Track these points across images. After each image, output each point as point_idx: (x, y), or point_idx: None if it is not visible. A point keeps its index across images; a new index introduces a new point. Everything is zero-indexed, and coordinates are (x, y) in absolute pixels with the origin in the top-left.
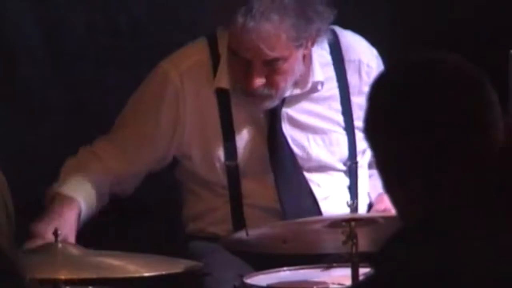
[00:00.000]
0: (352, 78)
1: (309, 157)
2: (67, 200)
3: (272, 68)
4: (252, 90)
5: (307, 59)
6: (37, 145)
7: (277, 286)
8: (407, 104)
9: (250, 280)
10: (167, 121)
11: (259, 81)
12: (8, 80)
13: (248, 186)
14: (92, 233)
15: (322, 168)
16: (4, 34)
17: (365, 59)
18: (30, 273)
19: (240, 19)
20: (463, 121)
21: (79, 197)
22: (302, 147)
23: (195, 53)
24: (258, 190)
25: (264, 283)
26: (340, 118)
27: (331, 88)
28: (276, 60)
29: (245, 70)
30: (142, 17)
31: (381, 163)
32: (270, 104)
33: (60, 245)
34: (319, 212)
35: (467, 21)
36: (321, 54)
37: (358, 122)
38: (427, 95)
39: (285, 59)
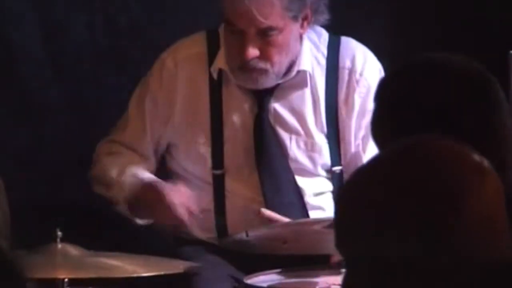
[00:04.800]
0: (341, 86)
1: (287, 157)
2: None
3: (266, 39)
4: (246, 62)
5: (300, 44)
6: (37, 145)
7: (277, 286)
8: (414, 105)
9: (250, 281)
10: (163, 103)
11: (253, 52)
12: (8, 81)
13: (231, 183)
14: (92, 234)
15: (302, 171)
16: (4, 35)
17: (359, 67)
18: (30, 273)
19: None
20: (471, 120)
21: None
22: (284, 145)
23: (194, 45)
24: (240, 186)
25: (264, 284)
26: (324, 125)
27: (320, 94)
28: (270, 29)
29: (240, 43)
30: (142, 17)
31: None
32: (266, 80)
33: (60, 245)
34: (304, 207)
35: (467, 21)
36: (316, 56)
37: (343, 132)
38: (435, 95)
39: (279, 30)
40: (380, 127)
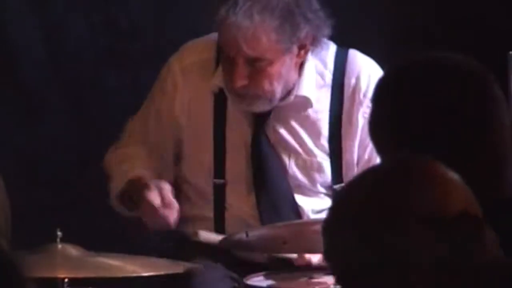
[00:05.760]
0: (346, 104)
1: (286, 175)
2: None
3: (255, 69)
4: (236, 90)
5: (301, 70)
6: (37, 145)
7: (277, 286)
8: (414, 105)
9: (250, 281)
10: (167, 111)
11: (241, 81)
12: (8, 81)
13: (231, 196)
14: (92, 234)
15: (301, 189)
16: (4, 35)
17: (363, 87)
18: (30, 273)
19: (223, 13)
20: (470, 119)
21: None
22: (283, 163)
23: (202, 50)
24: (239, 200)
25: (264, 284)
26: (326, 143)
27: (323, 111)
28: (258, 60)
29: (230, 69)
30: (142, 18)
31: None
32: (260, 105)
33: (60, 245)
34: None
35: (467, 21)
36: (323, 73)
37: (345, 152)
38: (434, 95)
39: (269, 61)
40: (379, 128)
